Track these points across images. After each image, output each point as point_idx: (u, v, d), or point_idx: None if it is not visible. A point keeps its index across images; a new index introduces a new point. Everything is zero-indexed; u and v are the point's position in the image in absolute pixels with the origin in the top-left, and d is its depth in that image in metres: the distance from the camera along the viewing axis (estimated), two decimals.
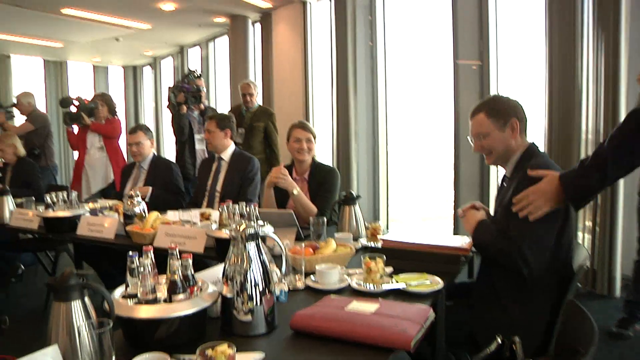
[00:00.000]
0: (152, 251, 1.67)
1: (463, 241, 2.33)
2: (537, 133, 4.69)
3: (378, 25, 6.47)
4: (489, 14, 5.17)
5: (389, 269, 2.15)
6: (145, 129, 4.37)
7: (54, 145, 6.46)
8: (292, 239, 2.75)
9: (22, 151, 5.24)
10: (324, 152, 7.50)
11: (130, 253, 1.61)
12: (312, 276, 2.09)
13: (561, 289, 2.03)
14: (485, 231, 2.15)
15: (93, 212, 3.51)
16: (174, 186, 4.23)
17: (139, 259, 1.58)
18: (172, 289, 1.54)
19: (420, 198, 7.75)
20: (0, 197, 3.80)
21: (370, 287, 1.96)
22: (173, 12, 7.77)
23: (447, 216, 6.06)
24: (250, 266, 1.59)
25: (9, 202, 3.80)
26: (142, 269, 1.54)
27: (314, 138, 3.44)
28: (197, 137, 5.47)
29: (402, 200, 7.30)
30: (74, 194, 3.46)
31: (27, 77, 11.84)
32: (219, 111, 5.68)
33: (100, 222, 3.21)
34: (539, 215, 1.92)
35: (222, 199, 3.81)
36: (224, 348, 1.22)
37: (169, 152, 12.31)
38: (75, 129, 5.81)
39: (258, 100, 5.93)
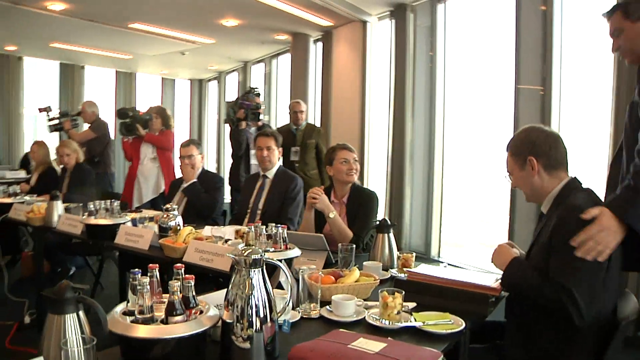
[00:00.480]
0: (157, 269, 1.65)
1: (494, 280, 2.18)
2: (601, 162, 4.52)
3: (438, 48, 6.36)
4: (553, 39, 4.98)
5: (411, 305, 2.05)
6: (197, 144, 4.46)
7: (113, 154, 6.66)
8: (321, 264, 2.70)
9: (81, 157, 5.44)
10: (377, 175, 7.42)
11: (134, 270, 1.59)
12: (328, 306, 2.01)
13: (604, 337, 1.87)
14: (522, 271, 1.99)
15: (134, 222, 3.57)
16: (213, 199, 4.29)
17: (139, 277, 1.55)
18: (170, 310, 1.51)
19: (477, 222, 7.50)
20: (51, 202, 3.93)
21: (385, 322, 1.86)
22: (235, 28, 7.94)
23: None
24: (252, 292, 1.54)
25: (58, 207, 3.92)
26: (140, 287, 1.51)
27: (358, 159, 3.39)
28: (252, 152, 5.55)
29: (460, 224, 7.08)
30: (116, 202, 3.53)
31: (100, 87, 12.37)
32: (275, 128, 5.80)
33: (138, 233, 3.25)
34: (607, 254, 1.80)
35: (263, 217, 3.80)
36: None
37: (229, 164, 12.50)
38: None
39: (314, 118, 6.02)
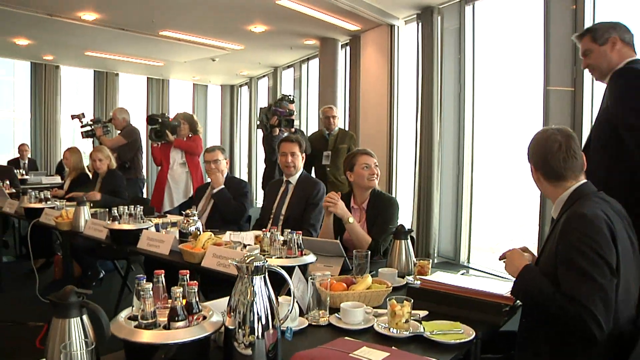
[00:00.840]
0: (163, 275, 1.67)
1: (509, 289, 2.12)
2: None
3: (467, 50, 6.29)
4: None
5: (423, 313, 2.03)
6: (222, 149, 4.52)
7: (142, 159, 6.78)
8: (337, 270, 2.68)
9: (114, 164, 5.56)
10: (405, 179, 7.37)
11: (138, 275, 1.61)
12: (337, 313, 2.00)
13: (624, 347, 1.81)
14: (534, 279, 1.92)
15: (157, 227, 3.62)
16: (242, 206, 4.32)
17: (143, 283, 1.57)
18: (172, 316, 1.53)
19: (508, 226, 7.38)
20: (78, 207, 4.02)
21: (393, 331, 1.84)
22: (264, 34, 8.01)
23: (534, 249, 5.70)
24: (254, 299, 1.54)
25: (85, 212, 4.00)
26: (143, 292, 1.53)
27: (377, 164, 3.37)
28: None
29: (491, 228, 6.98)
30: (140, 208, 3.58)
31: (133, 94, 12.63)
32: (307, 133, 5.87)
33: (159, 238, 3.29)
34: None
35: (285, 222, 3.81)
36: None
37: (261, 170, 12.60)
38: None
39: (341, 122, 6.10)
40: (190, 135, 5.94)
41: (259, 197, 12.73)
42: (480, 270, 5.94)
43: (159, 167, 6.09)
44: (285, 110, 5.61)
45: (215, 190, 4.33)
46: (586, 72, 4.88)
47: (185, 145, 5.90)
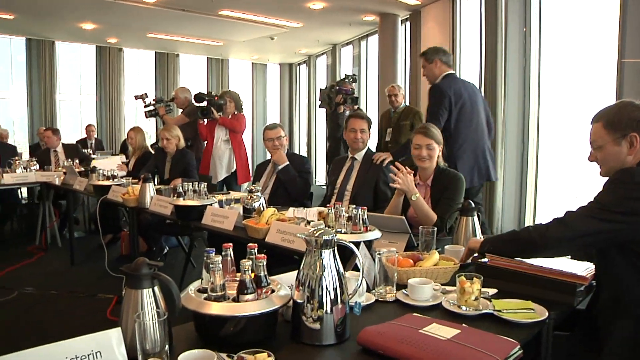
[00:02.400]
0: (231, 248, 1.68)
1: (585, 268, 2.04)
2: None
3: (533, 24, 6.04)
4: None
5: (492, 291, 1.97)
6: (282, 126, 4.57)
7: None
8: (402, 247, 2.65)
9: (182, 143, 5.66)
10: None
11: (207, 249, 1.62)
12: (404, 289, 1.97)
13: None
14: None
15: (220, 203, 3.66)
16: (307, 184, 4.37)
17: (212, 256, 1.58)
18: (241, 289, 1.53)
19: (576, 205, 7.12)
20: (144, 184, 4.12)
21: (462, 308, 1.80)
22: (322, 11, 7.95)
23: None
24: (323, 273, 1.53)
25: (150, 189, 4.10)
26: (213, 265, 1.54)
27: (437, 144, 3.26)
28: None
29: (557, 207, 6.76)
30: (203, 185, 3.63)
31: (193, 74, 12.84)
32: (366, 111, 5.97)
33: (223, 214, 3.34)
34: None
35: (353, 198, 3.80)
36: (263, 356, 1.19)
37: (320, 147, 12.66)
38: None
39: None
40: (235, 113, 6.03)
41: (317, 175, 12.79)
42: None
43: (205, 143, 6.26)
44: (349, 88, 5.81)
45: (280, 167, 4.35)
46: None
47: (229, 123, 6.03)
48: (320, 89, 5.96)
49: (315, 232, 1.56)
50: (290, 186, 4.27)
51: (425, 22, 7.72)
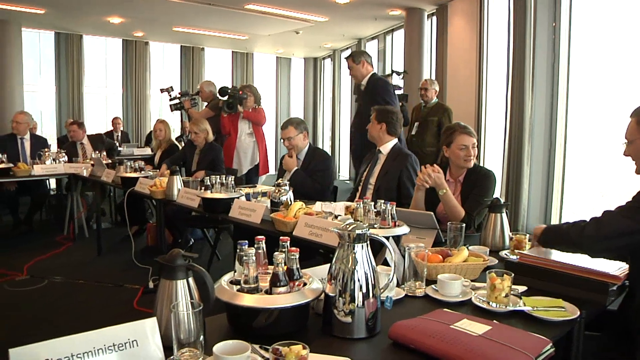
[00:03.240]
0: (263, 241, 1.69)
1: (618, 267, 2.01)
2: None
3: (563, 18, 5.95)
4: None
5: (522, 288, 1.96)
6: (297, 123, 4.43)
7: None
8: (430, 242, 2.64)
9: (211, 137, 5.71)
10: (493, 152, 7.16)
11: (241, 241, 1.63)
12: (434, 285, 1.97)
13: None
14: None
15: (247, 196, 3.69)
16: (325, 175, 4.32)
17: (246, 248, 1.59)
18: (274, 281, 1.55)
19: (604, 204, 6.99)
20: (171, 176, 4.17)
21: (492, 305, 1.79)
22: (348, 5, 7.93)
23: None
24: (355, 267, 1.54)
25: (178, 182, 4.15)
26: (246, 258, 1.55)
27: (476, 142, 3.25)
28: None
29: (584, 206, 6.66)
30: (231, 178, 3.66)
31: (218, 68, 12.92)
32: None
33: (250, 207, 3.36)
34: None
35: (376, 192, 3.78)
36: (298, 348, 1.20)
37: (344, 142, 12.66)
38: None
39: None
40: (255, 107, 6.08)
41: (342, 169, 12.79)
42: None
43: (226, 136, 6.30)
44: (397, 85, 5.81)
45: (290, 174, 4.31)
46: None
47: (253, 116, 6.10)
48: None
49: (348, 226, 1.57)
50: (301, 189, 4.15)
51: (452, 17, 7.65)
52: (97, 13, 9.31)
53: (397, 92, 5.59)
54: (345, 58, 4.99)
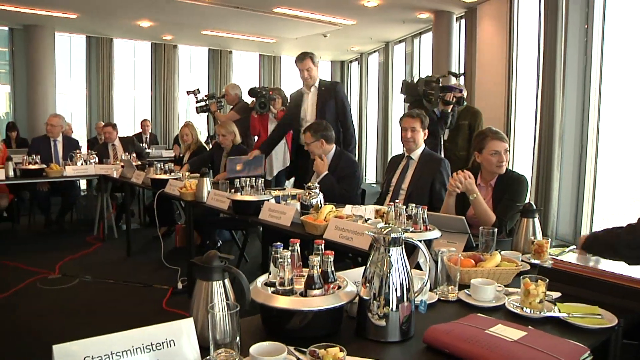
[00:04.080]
0: (298, 244, 1.70)
1: None
2: None
3: (595, 20, 5.85)
4: None
5: (555, 295, 1.93)
6: (314, 130, 4.35)
7: None
8: (461, 247, 2.62)
9: (238, 139, 5.75)
10: (523, 157, 7.08)
11: (276, 243, 1.64)
12: (467, 289, 1.96)
13: None
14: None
15: (277, 199, 3.70)
16: (352, 183, 4.31)
17: (281, 251, 1.60)
18: (309, 284, 1.55)
19: (633, 211, 6.86)
20: (201, 178, 4.21)
21: (526, 311, 1.77)
22: (376, 8, 7.93)
23: None
24: (390, 271, 1.54)
25: (207, 184, 4.19)
26: (281, 260, 1.56)
27: (509, 147, 3.23)
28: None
29: (617, 212, 6.55)
30: (260, 180, 3.68)
31: (245, 71, 13.01)
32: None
33: (280, 209, 3.37)
34: None
35: (407, 197, 3.77)
36: (335, 350, 1.20)
37: (371, 145, 12.64)
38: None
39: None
40: (282, 109, 6.10)
41: (369, 173, 12.76)
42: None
43: (253, 138, 6.35)
44: (457, 86, 5.57)
45: (319, 178, 4.25)
46: None
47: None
48: (404, 80, 5.75)
49: (383, 229, 1.57)
50: (329, 195, 4.10)
51: (481, 20, 7.59)
52: (127, 17, 9.47)
53: (457, 94, 5.44)
54: (299, 60, 5.08)
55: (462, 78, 5.80)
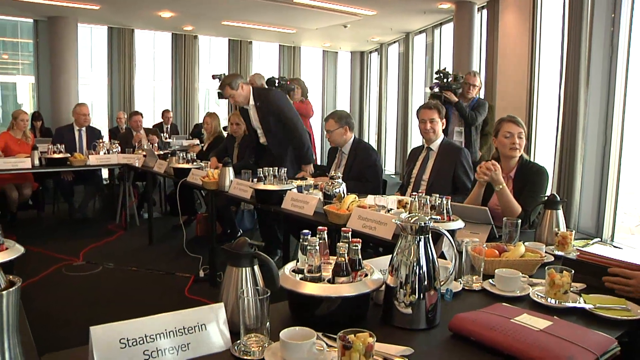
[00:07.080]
0: (326, 232, 1.72)
1: None
2: None
3: (623, 8, 5.72)
4: None
5: (580, 286, 1.93)
6: (339, 117, 4.38)
7: None
8: (484, 238, 2.62)
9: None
10: (545, 149, 7.02)
11: (304, 231, 1.67)
12: (491, 279, 1.97)
13: None
14: None
15: (299, 188, 3.73)
16: (375, 171, 4.31)
17: (310, 238, 1.62)
18: (336, 271, 1.57)
19: None
20: (224, 168, 4.25)
21: (551, 301, 1.77)
22: None
23: None
24: (417, 259, 1.55)
25: (230, 173, 4.23)
26: (310, 247, 1.58)
27: (525, 134, 3.22)
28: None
29: (637, 207, 6.47)
30: (283, 170, 3.70)
31: (265, 61, 13.04)
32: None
33: (303, 199, 3.40)
34: None
35: (429, 188, 3.77)
36: (364, 336, 1.22)
37: (390, 136, 12.62)
38: None
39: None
40: (302, 100, 6.13)
41: (388, 164, 12.75)
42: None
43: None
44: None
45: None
46: None
47: (303, 108, 6.16)
48: (437, 71, 5.78)
49: (410, 218, 1.59)
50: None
51: (503, 10, 7.51)
52: (149, 8, 9.53)
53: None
54: (221, 89, 5.07)
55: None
